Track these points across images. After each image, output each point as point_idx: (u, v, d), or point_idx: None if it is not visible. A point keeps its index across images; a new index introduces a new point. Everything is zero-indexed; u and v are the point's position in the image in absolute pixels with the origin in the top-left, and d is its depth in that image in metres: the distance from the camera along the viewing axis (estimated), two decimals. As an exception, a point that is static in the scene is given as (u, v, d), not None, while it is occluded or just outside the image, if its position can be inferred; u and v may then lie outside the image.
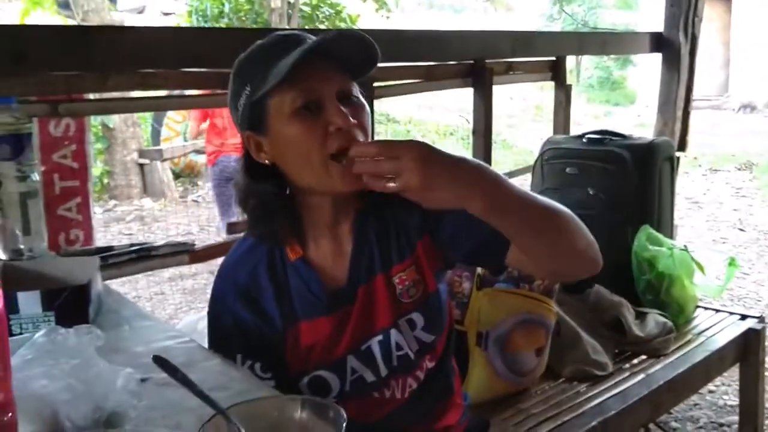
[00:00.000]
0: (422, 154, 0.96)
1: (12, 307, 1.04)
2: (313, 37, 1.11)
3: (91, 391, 0.78)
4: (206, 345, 1.20)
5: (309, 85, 1.07)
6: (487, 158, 2.75)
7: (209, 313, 1.22)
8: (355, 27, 8.30)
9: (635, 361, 2.18)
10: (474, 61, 2.66)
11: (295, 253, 1.19)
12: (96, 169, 7.15)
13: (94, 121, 6.94)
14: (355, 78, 1.13)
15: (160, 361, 0.82)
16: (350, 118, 1.07)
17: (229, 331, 1.18)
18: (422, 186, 0.96)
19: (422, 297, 1.23)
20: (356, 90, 1.13)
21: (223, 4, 8.38)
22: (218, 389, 0.88)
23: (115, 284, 1.84)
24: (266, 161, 1.14)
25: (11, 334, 1.03)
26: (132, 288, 4.40)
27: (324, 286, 1.19)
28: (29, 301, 1.05)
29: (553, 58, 3.02)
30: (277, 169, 1.14)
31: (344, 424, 0.73)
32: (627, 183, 2.45)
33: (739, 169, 8.55)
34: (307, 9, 8.58)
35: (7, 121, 1.32)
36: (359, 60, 1.10)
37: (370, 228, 1.21)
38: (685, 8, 3.29)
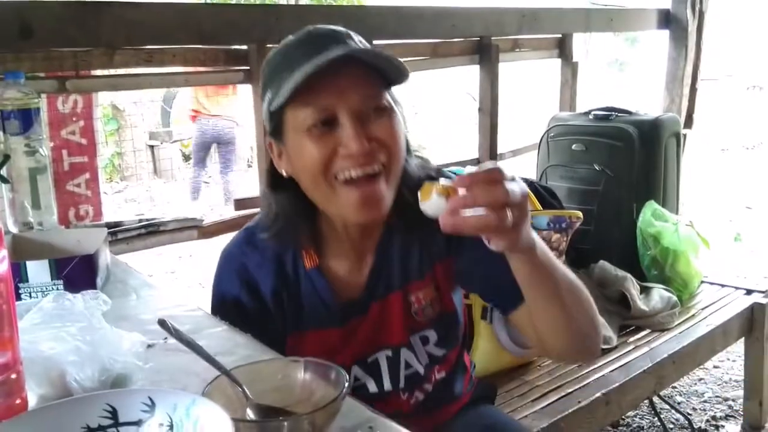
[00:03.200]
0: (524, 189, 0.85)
1: (21, 275, 1.06)
2: (347, 33, 1.03)
3: (98, 353, 0.79)
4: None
5: (325, 101, 0.98)
6: (493, 135, 2.75)
7: (214, 294, 1.18)
8: (361, 4, 8.24)
9: (639, 335, 2.20)
10: (480, 38, 2.65)
11: (312, 261, 1.13)
12: (107, 149, 7.18)
13: (105, 104, 6.95)
14: (392, 84, 1.03)
15: (165, 325, 0.83)
16: (365, 142, 0.98)
17: (232, 313, 1.12)
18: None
19: (438, 316, 1.19)
20: (386, 99, 1.02)
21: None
22: (223, 354, 0.89)
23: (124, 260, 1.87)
24: (284, 172, 1.08)
25: (20, 301, 1.05)
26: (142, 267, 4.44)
27: (336, 297, 1.14)
28: (38, 270, 1.07)
29: (560, 35, 3.01)
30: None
31: (346, 384, 0.75)
32: (633, 159, 2.45)
33: (747, 149, 8.50)
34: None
35: (15, 96, 1.34)
36: (389, 71, 1.01)
37: (394, 245, 1.16)
38: (693, -17, 3.27)
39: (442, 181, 0.83)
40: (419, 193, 0.84)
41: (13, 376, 0.69)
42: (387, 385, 1.18)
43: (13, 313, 0.70)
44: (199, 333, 0.99)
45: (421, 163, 1.14)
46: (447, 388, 1.26)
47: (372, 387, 1.17)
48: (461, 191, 0.81)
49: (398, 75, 1.01)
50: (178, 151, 8.15)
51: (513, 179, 0.82)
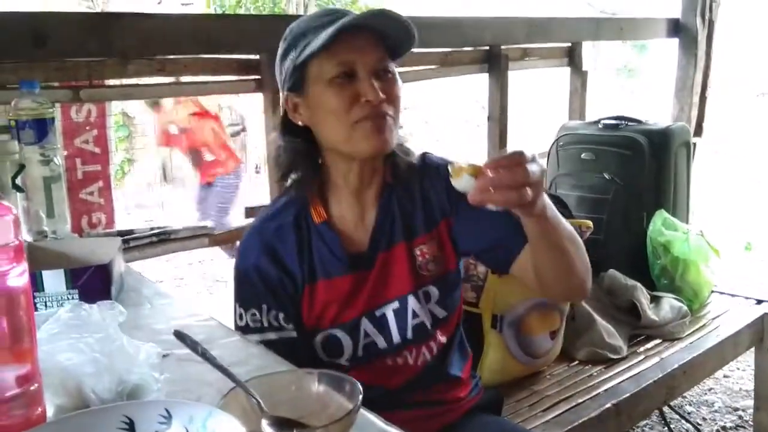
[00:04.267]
0: (542, 166, 0.99)
1: (37, 284, 1.07)
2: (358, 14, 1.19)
3: (115, 364, 0.80)
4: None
5: (347, 57, 1.14)
6: (502, 144, 2.76)
7: (236, 266, 1.28)
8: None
9: (649, 344, 2.19)
10: (489, 47, 2.66)
11: (320, 216, 1.25)
12: (117, 156, 7.22)
13: (115, 110, 6.99)
14: (393, 57, 1.19)
15: (181, 336, 0.84)
16: (380, 93, 1.14)
17: (254, 283, 1.23)
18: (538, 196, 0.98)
19: (441, 273, 1.29)
20: (392, 66, 1.19)
21: (240, -5, 8.39)
22: (237, 364, 0.90)
23: (135, 268, 1.88)
24: (300, 122, 1.22)
25: (36, 312, 1.06)
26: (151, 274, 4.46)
27: (345, 249, 1.25)
28: (54, 279, 1.08)
29: (569, 44, 3.01)
30: (310, 131, 1.22)
31: (360, 397, 0.76)
32: (643, 168, 2.45)
33: (757, 155, 8.46)
34: (323, -3, 8.57)
35: (30, 106, 1.36)
36: (398, 38, 1.17)
37: (395, 199, 1.27)
38: (703, -8, 3.27)
39: (470, 161, 0.97)
40: (450, 170, 0.97)
41: (33, 387, 0.69)
42: (396, 337, 1.27)
43: (33, 324, 0.71)
44: (212, 343, 1.00)
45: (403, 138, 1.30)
46: (448, 357, 1.34)
47: (381, 342, 1.26)
48: (489, 173, 0.93)
49: (405, 40, 1.17)
50: (189, 158, 8.16)
51: (533, 159, 0.95)
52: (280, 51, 1.22)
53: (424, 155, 1.33)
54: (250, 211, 2.20)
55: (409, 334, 1.27)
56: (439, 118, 10.02)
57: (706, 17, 3.31)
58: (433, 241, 1.28)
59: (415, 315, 1.27)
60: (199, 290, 4.46)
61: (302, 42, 1.17)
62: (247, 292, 1.25)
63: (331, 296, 1.24)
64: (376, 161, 1.25)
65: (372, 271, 1.25)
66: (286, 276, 1.23)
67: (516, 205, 0.97)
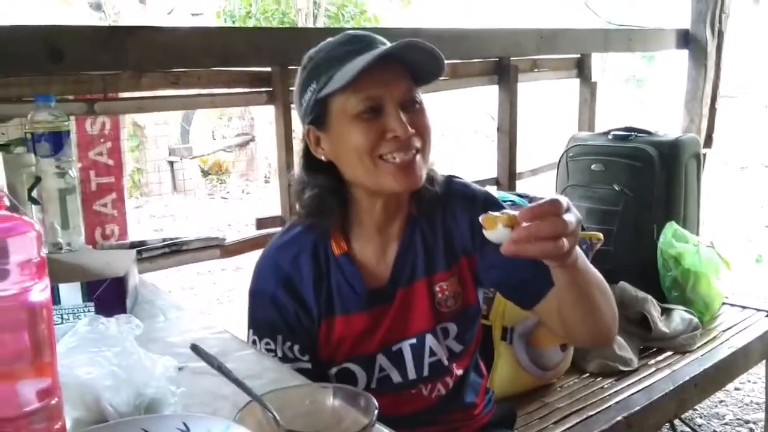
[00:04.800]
0: (578, 216, 0.96)
1: (54, 298, 1.08)
2: (382, 39, 1.15)
3: (132, 378, 0.81)
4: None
5: (373, 92, 1.10)
6: (512, 155, 2.76)
7: (251, 294, 1.25)
8: (378, 26, 8.32)
9: (660, 357, 2.19)
10: (499, 59, 2.67)
11: (340, 248, 1.22)
12: (127, 166, 7.27)
13: (126, 120, 7.04)
14: (419, 84, 1.15)
15: (198, 350, 0.85)
16: (408, 128, 1.10)
17: (270, 313, 1.20)
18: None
19: (460, 309, 1.25)
20: (419, 95, 1.15)
21: (250, 5, 8.45)
22: (252, 378, 0.91)
23: (147, 278, 1.89)
24: (323, 157, 1.18)
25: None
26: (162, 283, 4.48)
27: (364, 283, 1.21)
28: (70, 292, 1.09)
29: (578, 55, 3.02)
30: (333, 165, 1.18)
31: (376, 412, 0.76)
32: (653, 179, 2.45)
33: (767, 167, 8.43)
34: (332, 9, 8.62)
35: (46, 119, 1.37)
36: (426, 68, 1.13)
37: (418, 233, 1.24)
38: (712, 4, 3.27)
39: (503, 211, 0.94)
40: (482, 222, 0.94)
41: (54, 401, 0.70)
42: (411, 374, 1.24)
43: (54, 338, 0.72)
44: (227, 356, 1.00)
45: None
46: (463, 388, 1.31)
47: (396, 377, 1.23)
48: (524, 224, 0.91)
49: (433, 70, 1.13)
50: (198, 167, 8.23)
51: (568, 209, 0.92)
52: (299, 80, 1.18)
53: (450, 181, 1.28)
54: (260, 222, 2.22)
55: (425, 372, 1.24)
56: (449, 130, 10.05)
57: (716, 28, 3.31)
58: (454, 277, 1.25)
59: (432, 353, 1.24)
60: (210, 300, 4.48)
61: (324, 74, 1.12)
62: (261, 321, 1.21)
63: (348, 332, 1.21)
64: (402, 195, 1.21)
65: (391, 307, 1.22)
66: (303, 308, 1.20)
67: (551, 257, 0.95)
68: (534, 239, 0.90)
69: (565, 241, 0.91)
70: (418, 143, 1.13)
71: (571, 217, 0.91)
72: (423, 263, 1.23)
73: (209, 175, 8.53)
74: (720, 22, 3.33)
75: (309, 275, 1.20)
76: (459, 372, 1.28)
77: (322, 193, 1.19)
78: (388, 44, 1.13)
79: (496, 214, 0.93)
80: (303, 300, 1.20)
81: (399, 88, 1.11)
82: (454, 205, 1.25)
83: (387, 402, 1.20)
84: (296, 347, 1.19)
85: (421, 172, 1.14)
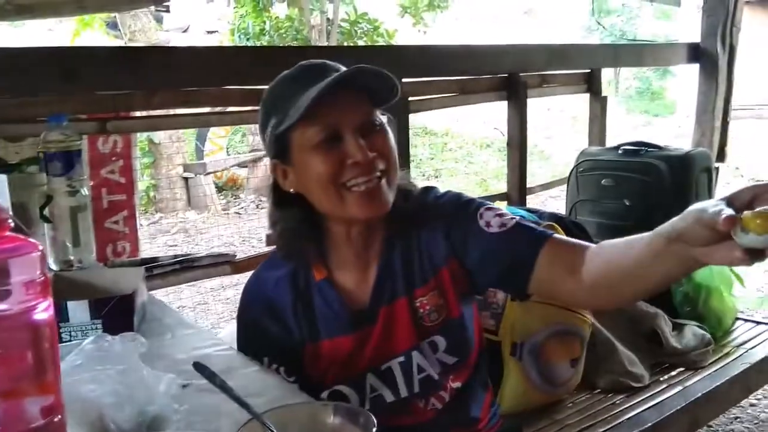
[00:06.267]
0: None
1: (62, 315, 1.10)
2: (336, 66, 1.15)
3: (135, 395, 0.82)
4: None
5: (329, 120, 1.10)
6: (522, 170, 2.77)
7: (238, 319, 1.27)
8: (392, 42, 8.36)
9: (672, 373, 2.16)
10: (508, 75, 2.68)
11: (321, 273, 1.23)
12: (142, 183, 7.33)
13: (141, 137, 7.12)
14: (378, 105, 1.15)
15: (200, 368, 0.86)
16: (368, 153, 1.10)
17: (255, 336, 1.23)
18: None
19: (444, 321, 1.24)
20: (378, 117, 1.15)
21: (264, 22, 8.53)
22: (255, 395, 0.91)
23: (160, 294, 1.91)
24: (291, 189, 1.18)
25: (61, 341, 1.09)
26: (176, 298, 4.50)
27: (346, 306, 1.22)
28: (78, 310, 1.11)
29: (588, 70, 3.03)
30: (303, 196, 1.18)
31: (375, 430, 0.77)
32: (663, 194, 2.44)
33: (781, 180, 8.35)
34: (345, 25, 8.68)
35: (58, 138, 1.39)
36: (381, 92, 1.13)
37: (397, 251, 1.24)
38: (723, 18, 3.27)
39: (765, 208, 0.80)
40: (752, 227, 0.79)
41: (57, 418, 0.71)
42: (403, 391, 1.23)
43: (57, 357, 0.73)
44: (231, 373, 1.01)
45: (403, 175, 1.24)
46: (465, 402, 1.29)
47: (388, 396, 1.23)
48: None
49: (388, 92, 1.12)
50: (212, 183, 8.28)
51: None
52: (259, 117, 1.18)
53: (426, 192, 1.27)
54: (270, 238, 2.23)
55: (416, 389, 1.24)
56: (460, 143, 10.06)
57: (727, 42, 3.31)
58: (434, 290, 1.24)
59: (420, 370, 1.24)
60: (223, 315, 4.49)
61: (280, 109, 1.13)
62: (247, 344, 1.23)
63: (335, 356, 1.22)
64: (373, 220, 1.19)
65: (375, 327, 1.22)
66: (286, 331, 1.22)
67: None
68: None
69: None
70: (381, 165, 1.13)
71: None
72: (403, 281, 1.23)
73: (224, 190, 8.57)
74: (731, 36, 3.32)
75: (290, 301, 1.22)
76: (456, 385, 1.27)
77: (295, 226, 1.19)
78: (343, 70, 1.13)
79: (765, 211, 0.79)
80: (286, 323, 1.22)
81: (355, 113, 1.12)
82: (429, 217, 1.24)
83: (383, 420, 1.20)
84: (282, 369, 1.20)
85: (387, 197, 1.14)
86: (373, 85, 1.11)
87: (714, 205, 0.83)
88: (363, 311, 1.23)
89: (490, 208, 1.21)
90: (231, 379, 0.88)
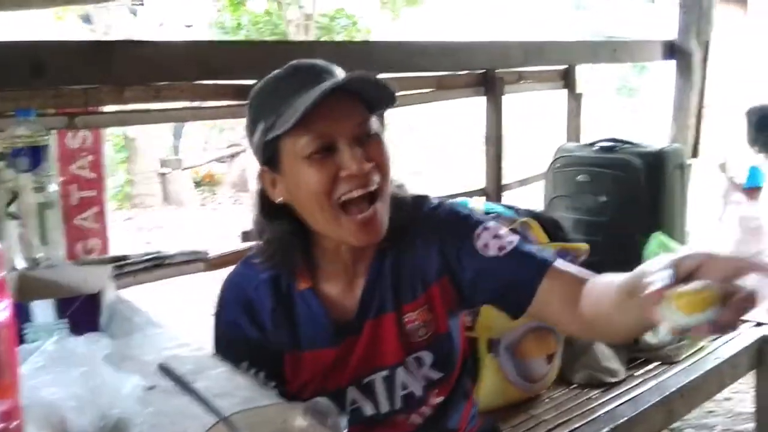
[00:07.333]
0: None
1: (26, 315, 1.07)
2: (329, 68, 1.10)
3: (97, 398, 0.80)
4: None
5: (323, 129, 1.04)
6: (498, 166, 2.77)
7: (215, 321, 1.23)
8: (368, 38, 8.33)
9: (648, 367, 2.17)
10: (485, 71, 2.68)
11: (305, 282, 1.18)
12: (118, 178, 7.25)
13: (117, 132, 7.04)
14: (373, 111, 1.10)
15: (165, 370, 0.84)
16: (364, 163, 1.05)
17: (233, 339, 1.18)
18: None
19: (432, 337, 1.20)
20: (374, 125, 1.09)
21: (241, 17, 8.48)
22: (224, 396, 0.89)
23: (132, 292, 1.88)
24: (280, 199, 1.12)
25: (26, 342, 1.06)
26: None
27: (330, 317, 1.17)
28: (43, 310, 1.08)
29: (565, 67, 3.03)
30: (292, 207, 1.12)
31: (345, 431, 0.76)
32: (638, 190, 2.46)
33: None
34: (324, 20, 8.65)
35: (24, 133, 1.36)
36: (377, 98, 1.08)
37: (387, 264, 1.19)
38: (698, 15, 3.29)
39: (704, 285, 0.78)
40: (677, 306, 0.77)
41: (14, 424, 0.69)
42: (384, 407, 1.20)
43: (15, 360, 0.71)
44: (201, 374, 0.99)
45: (398, 185, 1.19)
46: (445, 414, 1.26)
47: (368, 410, 1.19)
48: (739, 296, 0.77)
49: (385, 100, 1.08)
50: (189, 179, 8.22)
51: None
52: (247, 119, 1.12)
53: (420, 203, 1.22)
54: (246, 236, 2.21)
55: (398, 404, 1.20)
56: (437, 140, 10.07)
57: (702, 39, 3.33)
58: (424, 306, 1.19)
59: (404, 386, 1.19)
60: (201, 313, 4.45)
61: (271, 112, 1.06)
62: (225, 347, 1.18)
63: (318, 367, 1.17)
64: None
65: (360, 339, 1.17)
66: (265, 337, 1.17)
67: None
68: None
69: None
70: (377, 177, 1.07)
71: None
72: (391, 295, 1.18)
73: (201, 186, 8.51)
74: (706, 33, 3.35)
75: (269, 307, 1.17)
76: (438, 400, 1.23)
77: (283, 238, 1.14)
78: (338, 73, 1.09)
79: (696, 290, 0.77)
80: (264, 329, 1.18)
81: (350, 121, 1.06)
82: (423, 229, 1.19)
83: (359, 431, 1.17)
84: (262, 374, 1.14)
85: (382, 225, 1.10)
86: (368, 91, 1.07)
87: (659, 267, 0.82)
88: (348, 323, 1.18)
89: (487, 228, 1.16)
90: (200, 380, 0.86)
